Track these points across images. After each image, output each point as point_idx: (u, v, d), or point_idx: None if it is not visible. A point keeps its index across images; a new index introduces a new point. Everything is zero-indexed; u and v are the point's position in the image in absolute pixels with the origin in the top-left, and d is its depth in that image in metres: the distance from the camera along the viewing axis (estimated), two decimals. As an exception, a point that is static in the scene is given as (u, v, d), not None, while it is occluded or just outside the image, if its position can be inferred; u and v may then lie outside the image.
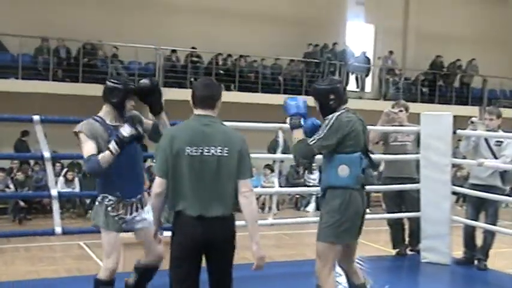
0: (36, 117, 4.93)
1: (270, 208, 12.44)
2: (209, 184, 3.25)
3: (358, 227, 3.91)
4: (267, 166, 14.31)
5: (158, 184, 3.30)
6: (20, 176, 12.12)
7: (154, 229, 3.58)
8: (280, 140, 5.78)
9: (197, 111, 3.37)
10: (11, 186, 11.89)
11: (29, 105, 12.39)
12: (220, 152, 3.25)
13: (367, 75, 17.74)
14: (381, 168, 8.44)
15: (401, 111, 6.56)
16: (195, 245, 3.28)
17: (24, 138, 12.87)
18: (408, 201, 6.52)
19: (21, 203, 11.61)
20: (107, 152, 3.67)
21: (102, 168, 3.68)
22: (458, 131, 6.23)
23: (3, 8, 13.88)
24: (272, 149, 14.07)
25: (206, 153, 3.23)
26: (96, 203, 3.98)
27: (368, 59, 17.86)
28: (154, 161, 3.34)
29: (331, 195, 3.84)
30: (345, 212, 3.77)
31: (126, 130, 3.69)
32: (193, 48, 15.45)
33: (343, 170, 3.74)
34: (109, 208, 3.87)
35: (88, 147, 3.74)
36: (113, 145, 3.67)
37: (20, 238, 8.42)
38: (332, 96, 3.89)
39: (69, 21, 14.17)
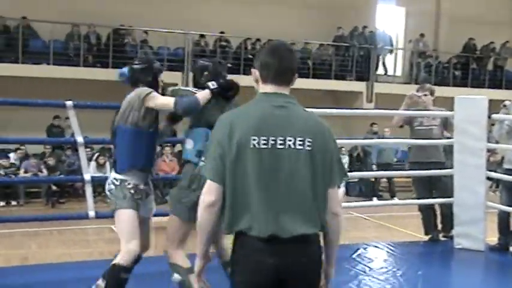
0: (69, 103, 5.02)
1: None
2: (286, 191, 2.29)
3: None
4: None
5: (210, 190, 2.32)
6: (51, 160, 12.29)
7: (199, 266, 2.50)
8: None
9: (267, 88, 2.39)
10: (44, 170, 12.07)
11: (60, 90, 12.55)
12: (300, 145, 2.29)
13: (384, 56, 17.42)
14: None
15: (425, 95, 6.47)
16: (265, 283, 2.31)
17: (56, 123, 13.03)
18: (439, 186, 6.44)
19: (54, 187, 11.79)
20: (206, 91, 3.67)
21: (200, 106, 3.62)
22: (493, 115, 6.12)
23: (35, -5, 14.01)
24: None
25: (280, 146, 2.28)
26: (113, 187, 3.77)
27: (391, 42, 17.60)
28: (203, 158, 2.51)
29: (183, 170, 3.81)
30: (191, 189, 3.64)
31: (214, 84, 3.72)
32: (222, 32, 15.42)
33: (189, 144, 3.77)
34: (131, 191, 3.75)
35: (167, 97, 3.77)
36: (212, 83, 3.69)
37: (53, 221, 8.54)
38: (206, 73, 3.91)
39: (99, 7, 14.24)
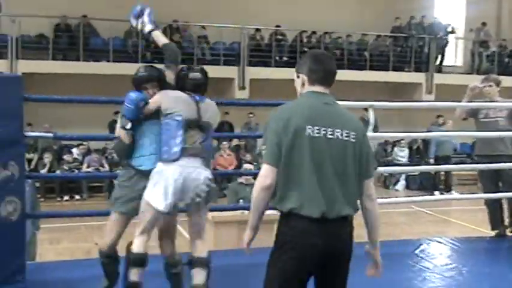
0: None
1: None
2: (334, 174, 2.60)
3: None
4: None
5: (268, 174, 2.59)
6: (115, 154, 12.52)
7: (249, 235, 2.84)
8: (371, 118, 5.61)
9: (314, 88, 2.75)
10: (106, 165, 12.33)
11: (120, 87, 12.76)
12: (346, 137, 2.64)
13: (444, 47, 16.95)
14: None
15: (490, 86, 6.24)
16: (311, 261, 2.62)
17: (117, 119, 13.28)
18: (506, 180, 6.21)
19: (115, 181, 12.02)
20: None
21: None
22: None
23: (94, -7, 14.30)
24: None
25: (330, 136, 2.61)
26: None
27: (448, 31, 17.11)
28: (263, 147, 2.68)
29: None
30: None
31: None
32: (277, 26, 15.36)
33: None
34: None
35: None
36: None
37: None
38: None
39: (156, 3, 14.37)
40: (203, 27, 14.71)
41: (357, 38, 16.15)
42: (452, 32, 16.65)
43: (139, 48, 14.04)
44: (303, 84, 2.78)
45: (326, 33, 15.67)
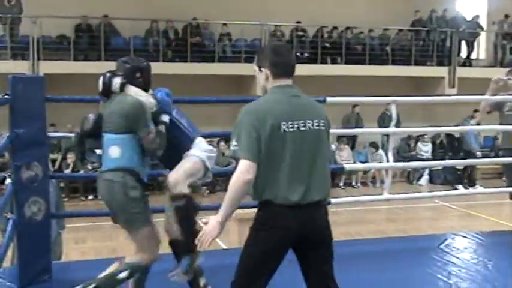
0: None
1: (382, 182, 12.24)
2: (309, 164, 2.81)
3: None
4: (372, 144, 14.00)
5: (249, 169, 2.73)
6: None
7: (221, 227, 2.87)
8: (394, 113, 5.56)
9: (280, 82, 2.90)
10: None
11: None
12: (317, 126, 2.85)
13: (473, 41, 16.74)
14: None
15: (514, 78, 6.13)
16: (290, 238, 2.84)
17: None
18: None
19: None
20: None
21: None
22: None
23: (114, -7, 14.39)
24: (381, 122, 13.80)
25: (302, 128, 2.80)
26: None
27: (479, 24, 16.89)
28: (235, 143, 2.80)
29: None
30: None
31: None
32: (298, 22, 15.31)
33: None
34: None
35: None
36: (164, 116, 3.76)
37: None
38: (138, 75, 3.73)
39: (176, 2, 14.46)
40: (225, 24, 14.71)
41: (379, 32, 16.03)
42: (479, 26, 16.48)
43: (160, 47, 14.09)
44: (267, 78, 2.91)
45: (347, 28, 15.57)
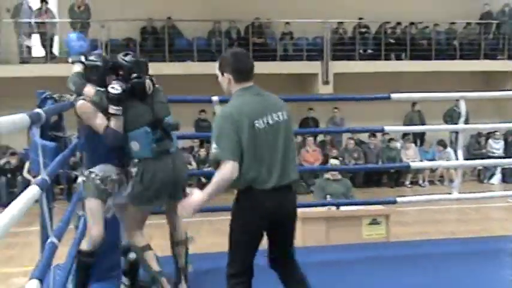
0: (215, 98, 5.14)
1: (450, 181, 11.94)
2: (281, 153, 3.24)
3: (164, 191, 3.96)
4: (440, 142, 13.64)
5: (233, 169, 3.11)
6: (202, 152, 12.74)
7: (204, 201, 3.27)
8: (463, 109, 5.40)
9: (242, 85, 3.29)
10: (193, 163, 12.56)
11: (204, 86, 12.98)
12: (282, 117, 3.28)
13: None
14: None
15: None
16: (269, 217, 3.26)
17: (202, 117, 13.52)
18: None
19: (203, 179, 12.20)
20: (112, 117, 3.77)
21: (120, 134, 3.79)
22: None
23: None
24: (448, 118, 13.45)
25: (271, 122, 3.21)
26: (83, 179, 3.98)
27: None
28: (215, 146, 3.14)
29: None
30: (142, 182, 3.88)
31: (115, 87, 3.74)
32: (360, 18, 15.12)
33: (135, 146, 3.86)
34: (97, 181, 3.90)
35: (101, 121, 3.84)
36: (111, 108, 3.72)
37: (204, 211, 8.82)
38: (120, 72, 3.92)
39: (238, 2, 14.54)
40: (287, 23, 14.68)
41: (445, 27, 15.63)
42: None
43: (222, 47, 14.20)
44: (229, 82, 3.29)
45: (412, 23, 15.26)
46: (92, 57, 4.02)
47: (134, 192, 3.93)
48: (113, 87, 3.74)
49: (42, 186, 2.55)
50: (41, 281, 2.32)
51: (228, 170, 3.11)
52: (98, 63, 3.96)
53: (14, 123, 2.22)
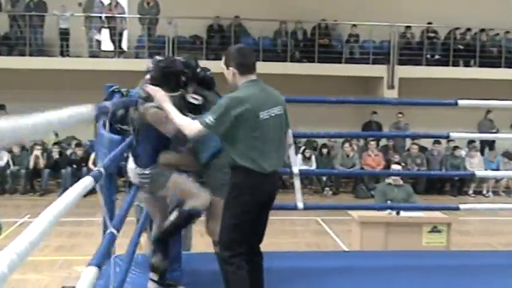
0: None
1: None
2: (276, 142, 3.51)
3: None
4: (505, 154, 13.22)
5: (199, 133, 3.40)
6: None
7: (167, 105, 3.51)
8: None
9: (248, 77, 3.48)
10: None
11: (269, 85, 13.03)
12: (279, 111, 3.51)
13: None
14: None
15: None
16: (264, 198, 3.54)
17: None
18: None
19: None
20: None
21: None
22: None
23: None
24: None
25: (272, 114, 3.45)
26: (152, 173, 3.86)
27: None
28: (210, 117, 3.31)
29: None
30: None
31: (195, 97, 3.83)
32: (429, 23, 14.84)
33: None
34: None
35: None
36: (190, 116, 3.69)
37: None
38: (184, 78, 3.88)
39: (305, 3, 14.54)
40: (354, 25, 14.57)
41: (517, 33, 15.16)
42: None
43: (288, 48, 14.23)
44: (234, 75, 3.47)
45: (482, 30, 14.87)
46: (162, 64, 3.91)
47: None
48: (194, 98, 3.82)
49: (97, 178, 2.61)
50: (100, 268, 2.37)
51: (195, 129, 3.38)
52: (171, 69, 3.89)
53: (82, 115, 2.27)
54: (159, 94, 3.55)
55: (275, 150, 3.51)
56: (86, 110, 2.39)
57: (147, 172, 3.83)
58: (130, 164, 3.90)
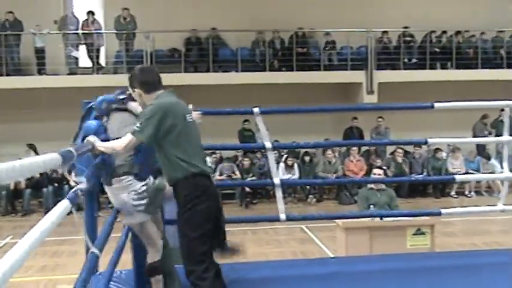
0: (256, 110, 4.92)
1: (499, 192, 11.66)
2: (199, 145, 3.66)
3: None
4: (483, 154, 13.34)
5: (130, 143, 3.44)
6: (246, 162, 12.76)
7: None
8: (506, 119, 5.28)
9: (157, 92, 3.56)
10: (237, 172, 12.62)
11: (248, 95, 13.07)
12: (191, 118, 3.62)
13: None
14: None
15: None
16: (217, 202, 3.61)
17: (246, 127, 13.54)
18: None
19: (247, 189, 12.26)
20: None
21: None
22: None
23: (222, 7, 14.73)
24: (493, 129, 13.19)
25: (190, 119, 3.58)
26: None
27: None
28: (138, 125, 3.41)
29: None
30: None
31: None
32: (405, 27, 14.98)
33: None
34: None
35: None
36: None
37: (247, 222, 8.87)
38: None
39: (282, 12, 14.60)
40: (328, 33, 14.65)
41: (492, 35, 15.34)
42: None
43: (266, 57, 14.27)
44: (140, 95, 3.56)
45: (458, 32, 15.03)
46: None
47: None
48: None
49: (72, 200, 2.62)
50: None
51: (128, 145, 3.44)
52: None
53: (44, 163, 2.25)
54: (95, 146, 3.51)
55: (203, 154, 3.70)
56: (49, 157, 2.34)
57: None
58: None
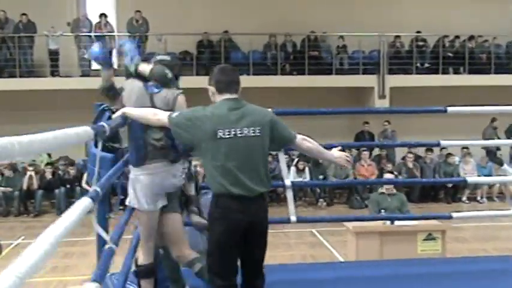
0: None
1: (511, 197, 11.62)
2: (246, 163, 3.27)
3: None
4: (496, 160, 13.25)
5: (163, 120, 3.39)
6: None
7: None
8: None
9: (225, 96, 3.38)
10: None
11: (259, 99, 13.06)
12: (253, 132, 3.29)
13: None
14: None
15: None
16: (239, 230, 3.27)
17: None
18: None
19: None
20: None
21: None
22: None
23: (234, 10, 14.76)
24: (510, 134, 13.11)
25: (240, 134, 3.26)
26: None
27: None
28: (176, 114, 3.37)
29: None
30: None
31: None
32: (418, 32, 14.94)
33: None
34: None
35: None
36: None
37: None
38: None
39: (294, 16, 14.61)
40: (341, 37, 14.64)
41: (505, 40, 15.27)
42: None
43: (278, 61, 14.28)
44: (213, 94, 3.42)
45: (471, 37, 14.97)
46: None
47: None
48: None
49: (94, 198, 2.58)
50: (100, 284, 2.38)
51: (162, 117, 3.39)
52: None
53: (77, 135, 2.26)
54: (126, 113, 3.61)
55: (250, 171, 3.26)
56: (82, 130, 2.37)
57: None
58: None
